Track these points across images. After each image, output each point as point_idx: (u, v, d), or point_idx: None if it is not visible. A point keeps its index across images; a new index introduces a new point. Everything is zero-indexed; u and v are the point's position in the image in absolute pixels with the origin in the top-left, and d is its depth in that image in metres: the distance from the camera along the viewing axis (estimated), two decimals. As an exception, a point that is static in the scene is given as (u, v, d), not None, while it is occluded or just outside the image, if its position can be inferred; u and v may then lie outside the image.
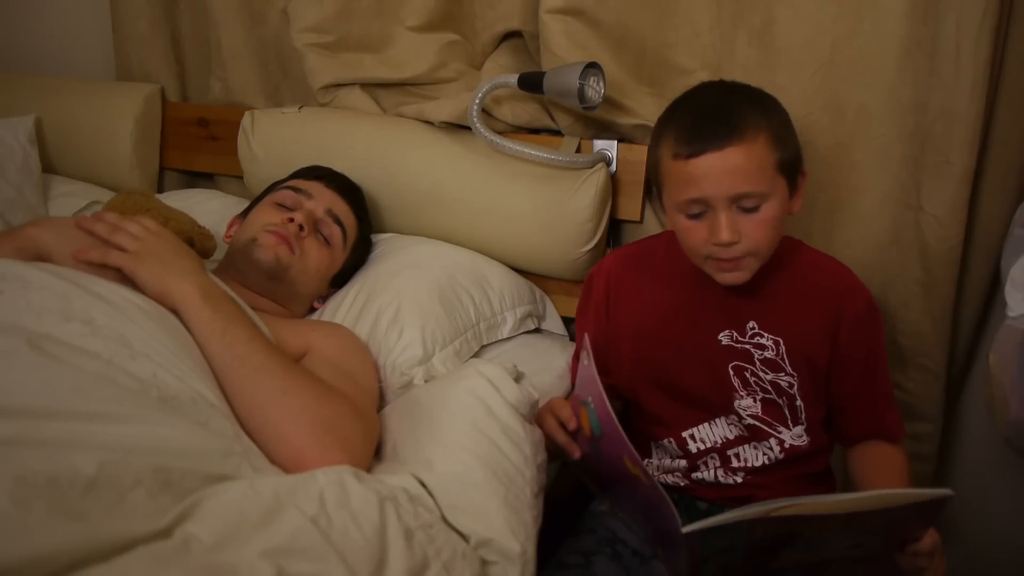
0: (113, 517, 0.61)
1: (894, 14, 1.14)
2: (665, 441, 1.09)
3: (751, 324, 1.03)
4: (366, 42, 1.46)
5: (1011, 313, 1.02)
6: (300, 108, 1.50)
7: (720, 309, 1.04)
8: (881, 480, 1.02)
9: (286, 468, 0.82)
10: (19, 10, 1.87)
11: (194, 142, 1.67)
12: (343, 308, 1.22)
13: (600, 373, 0.84)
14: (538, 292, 1.40)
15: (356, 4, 1.44)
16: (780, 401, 1.04)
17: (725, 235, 0.92)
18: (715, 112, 0.94)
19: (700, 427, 1.06)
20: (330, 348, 1.05)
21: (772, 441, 1.04)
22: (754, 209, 0.93)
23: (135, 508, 0.63)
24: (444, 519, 0.81)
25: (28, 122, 1.59)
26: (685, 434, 1.07)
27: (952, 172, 1.16)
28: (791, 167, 0.96)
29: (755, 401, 1.04)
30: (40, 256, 0.96)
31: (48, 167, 1.64)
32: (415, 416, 0.96)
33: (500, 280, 1.32)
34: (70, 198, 1.58)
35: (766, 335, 1.03)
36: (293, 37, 1.44)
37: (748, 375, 1.03)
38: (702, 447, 1.06)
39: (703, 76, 1.29)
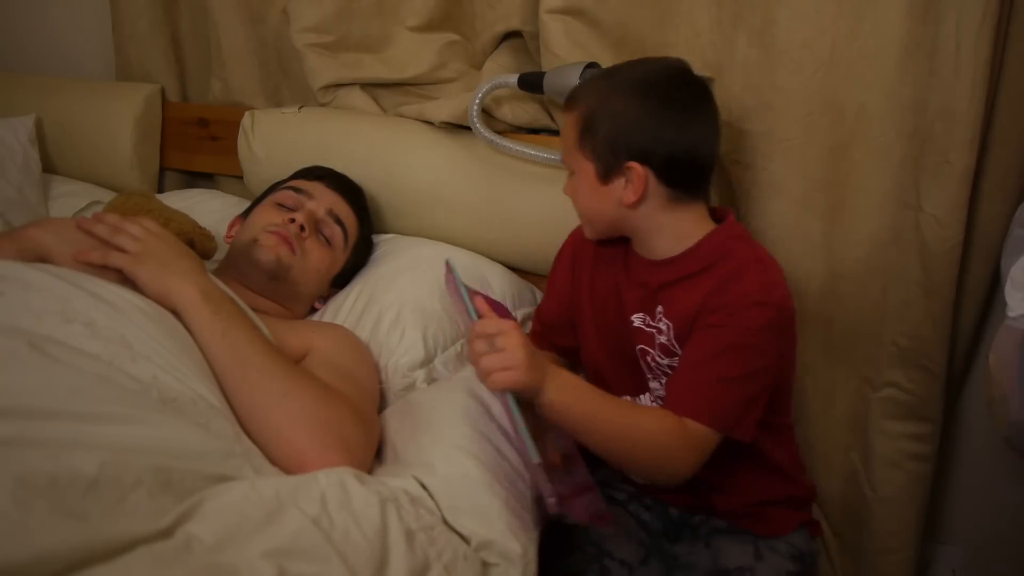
0: (114, 517, 0.62)
1: (894, 14, 1.14)
2: None
3: (659, 308, 0.99)
4: (366, 42, 1.46)
5: (1011, 313, 1.02)
6: (300, 108, 1.50)
7: (640, 290, 1.01)
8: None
9: (287, 469, 0.82)
10: (19, 10, 1.86)
11: (194, 142, 1.67)
12: (344, 309, 1.22)
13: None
14: (538, 293, 1.40)
15: (356, 4, 1.43)
16: None
17: (565, 188, 1.03)
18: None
19: (639, 398, 1.06)
20: (331, 349, 1.05)
21: None
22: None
23: (136, 508, 0.64)
24: (445, 521, 0.81)
25: (28, 122, 1.59)
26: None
27: (952, 172, 1.15)
28: (600, 150, 0.94)
29: (660, 385, 1.02)
30: (41, 257, 0.96)
31: (48, 167, 1.63)
32: (416, 418, 0.96)
33: (501, 281, 1.31)
34: (70, 198, 1.57)
35: (663, 320, 0.99)
36: (293, 37, 1.44)
37: (649, 359, 1.01)
38: None
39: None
